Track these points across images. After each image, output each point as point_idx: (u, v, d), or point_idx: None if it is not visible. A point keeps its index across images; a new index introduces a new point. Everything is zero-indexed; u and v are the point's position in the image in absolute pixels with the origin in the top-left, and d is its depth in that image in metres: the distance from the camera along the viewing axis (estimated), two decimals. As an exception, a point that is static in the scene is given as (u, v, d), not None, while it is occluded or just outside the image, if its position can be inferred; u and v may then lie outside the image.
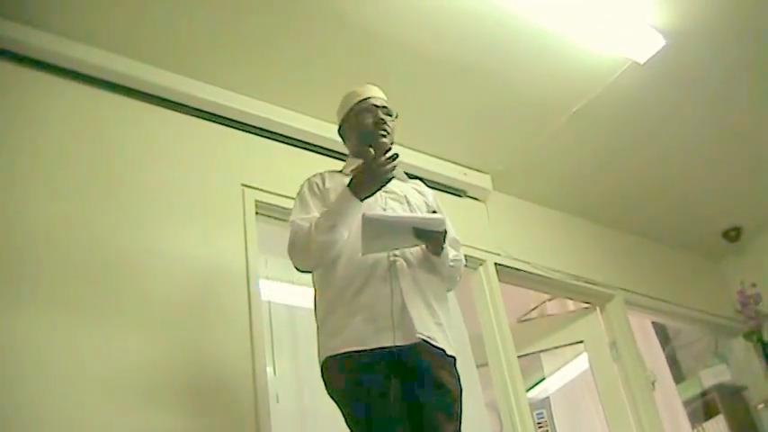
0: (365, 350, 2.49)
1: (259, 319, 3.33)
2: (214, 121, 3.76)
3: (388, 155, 2.59)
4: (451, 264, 2.79)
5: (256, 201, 3.63)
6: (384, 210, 2.73)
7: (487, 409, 4.47)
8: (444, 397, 2.53)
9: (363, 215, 2.53)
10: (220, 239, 3.42)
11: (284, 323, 4.07)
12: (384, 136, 2.85)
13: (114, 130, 3.43)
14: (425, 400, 2.49)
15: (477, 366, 4.26)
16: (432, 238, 2.63)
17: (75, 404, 2.71)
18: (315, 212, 2.72)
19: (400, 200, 2.82)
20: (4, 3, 3.21)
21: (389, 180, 2.61)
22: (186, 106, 3.69)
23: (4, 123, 3.15)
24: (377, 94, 2.95)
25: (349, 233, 2.63)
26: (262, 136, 3.89)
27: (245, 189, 3.63)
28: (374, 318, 2.54)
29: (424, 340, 2.53)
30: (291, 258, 2.72)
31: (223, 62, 3.69)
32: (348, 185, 2.61)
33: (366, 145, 2.72)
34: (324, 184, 2.85)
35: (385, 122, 2.86)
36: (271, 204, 3.64)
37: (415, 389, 2.50)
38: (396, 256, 2.64)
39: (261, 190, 3.66)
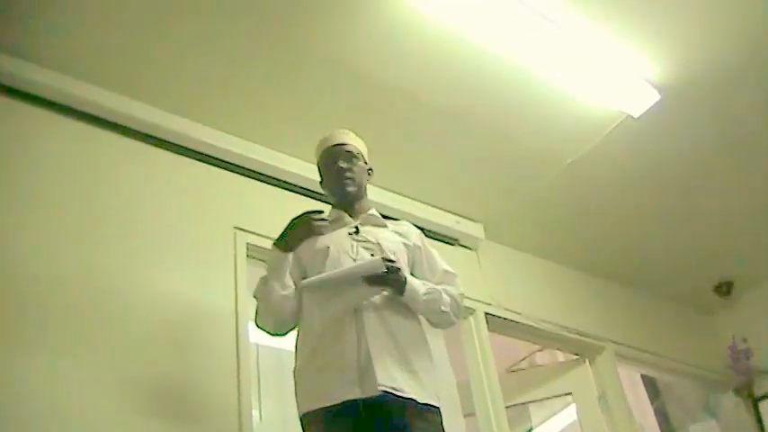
0: (333, 405, 2.49)
1: (247, 360, 3.31)
2: (208, 163, 3.77)
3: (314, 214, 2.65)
4: (424, 297, 2.72)
5: (248, 243, 3.63)
6: (354, 259, 2.71)
7: (474, 459, 4.43)
8: None
9: (301, 283, 2.60)
10: (211, 280, 3.42)
11: (271, 366, 4.05)
12: (349, 185, 2.88)
13: (108, 168, 3.44)
14: None
15: (465, 416, 4.23)
16: (385, 281, 2.61)
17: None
18: None
19: (372, 248, 2.78)
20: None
21: (310, 235, 2.66)
22: (181, 146, 3.70)
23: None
24: (337, 140, 2.94)
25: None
26: (255, 179, 3.90)
27: (237, 232, 3.63)
28: (341, 371, 2.53)
29: (387, 392, 2.48)
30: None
31: (219, 104, 3.71)
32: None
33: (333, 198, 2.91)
34: None
35: (347, 170, 2.88)
36: (262, 247, 3.61)
37: None
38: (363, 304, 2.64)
39: (252, 233, 3.65)
